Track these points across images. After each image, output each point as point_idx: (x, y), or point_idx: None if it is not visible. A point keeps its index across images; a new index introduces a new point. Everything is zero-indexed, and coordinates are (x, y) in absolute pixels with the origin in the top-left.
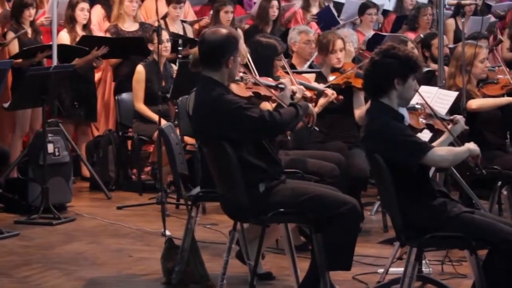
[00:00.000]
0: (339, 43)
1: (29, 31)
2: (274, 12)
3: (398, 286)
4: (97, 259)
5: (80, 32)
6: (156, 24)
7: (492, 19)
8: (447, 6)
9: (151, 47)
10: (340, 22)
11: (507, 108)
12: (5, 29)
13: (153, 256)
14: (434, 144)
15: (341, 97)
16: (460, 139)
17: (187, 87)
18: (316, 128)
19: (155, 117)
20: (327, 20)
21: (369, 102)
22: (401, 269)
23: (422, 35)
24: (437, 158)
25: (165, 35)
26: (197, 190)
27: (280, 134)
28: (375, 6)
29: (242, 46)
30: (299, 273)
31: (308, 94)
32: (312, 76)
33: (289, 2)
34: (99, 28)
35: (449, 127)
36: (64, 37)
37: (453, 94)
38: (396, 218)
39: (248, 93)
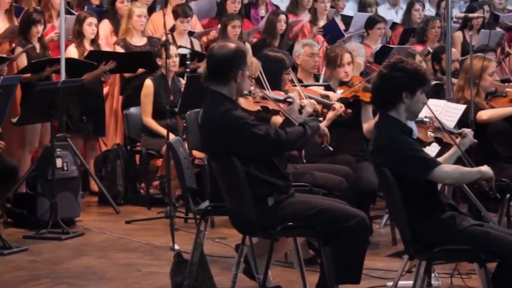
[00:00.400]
0: (347, 57)
1: (37, 46)
2: (281, 26)
3: None
4: (106, 273)
5: (88, 47)
6: (164, 38)
7: (500, 30)
8: (454, 19)
9: (159, 61)
10: (345, 34)
11: None
12: (14, 45)
13: (162, 271)
14: (442, 157)
15: (349, 110)
16: (468, 153)
17: (196, 101)
18: (330, 148)
19: (163, 131)
20: (332, 33)
21: (377, 116)
22: (410, 282)
23: (429, 48)
24: (443, 175)
25: (173, 50)
26: (206, 204)
27: (285, 153)
28: (384, 20)
29: (254, 60)
30: (308, 286)
31: (318, 107)
32: (320, 90)
33: (297, 17)
34: (107, 42)
35: (457, 140)
36: (72, 52)
37: (461, 107)
38: (405, 232)
39: (257, 107)
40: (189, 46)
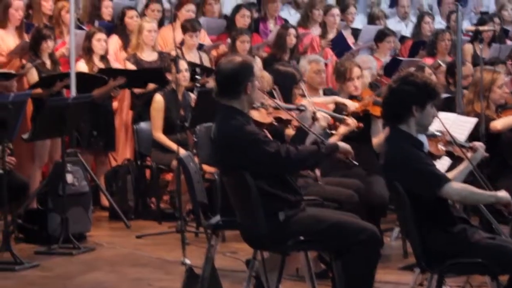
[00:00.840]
0: (356, 71)
1: (48, 62)
2: (291, 40)
3: None
4: None
5: (97, 62)
6: (173, 52)
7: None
8: (464, 32)
9: (169, 76)
10: (352, 47)
11: None
12: (24, 61)
13: (173, 285)
14: (453, 172)
15: (361, 124)
16: (480, 165)
17: (206, 115)
18: (355, 162)
19: (174, 146)
20: (340, 46)
21: (386, 129)
22: None
23: (440, 61)
24: (452, 192)
25: (183, 65)
26: (217, 218)
27: (295, 171)
28: (393, 33)
29: (266, 74)
30: None
31: (330, 121)
32: (338, 98)
33: (307, 30)
34: (116, 58)
35: (468, 155)
36: (82, 67)
37: (473, 120)
38: (416, 245)
39: (270, 119)
40: (198, 61)
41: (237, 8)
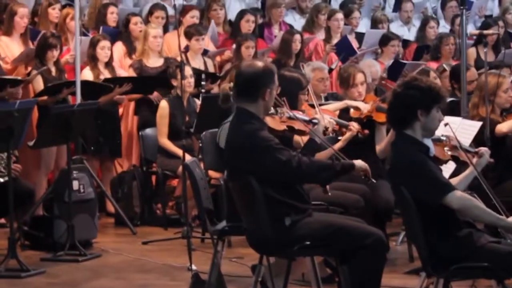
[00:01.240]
0: (359, 77)
1: (53, 70)
2: (296, 46)
3: None
4: None
5: (102, 70)
6: (179, 58)
7: None
8: (469, 36)
9: (174, 82)
10: (357, 52)
11: None
12: (30, 68)
13: None
14: (458, 177)
15: (366, 131)
16: (485, 171)
17: (211, 121)
18: (374, 180)
19: (179, 152)
20: (345, 51)
21: (388, 135)
22: None
23: (445, 65)
24: (455, 201)
25: (188, 71)
26: (223, 224)
27: (303, 183)
28: (398, 37)
29: None
30: None
31: (336, 127)
32: (350, 102)
33: (312, 34)
34: (120, 65)
35: (474, 160)
36: (87, 75)
37: (477, 124)
38: (422, 249)
39: (283, 127)
40: (202, 66)
41: (242, 14)
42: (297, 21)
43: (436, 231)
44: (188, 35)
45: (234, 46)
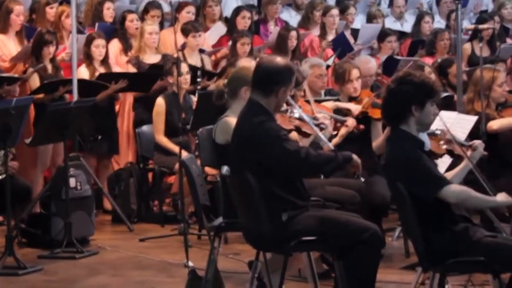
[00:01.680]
0: (354, 72)
1: (49, 67)
2: (292, 42)
3: None
4: None
5: (98, 67)
6: (175, 55)
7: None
8: (464, 31)
9: (170, 79)
10: (354, 48)
11: None
12: (26, 65)
13: None
14: (453, 171)
15: (362, 126)
16: (480, 165)
17: (207, 118)
18: (362, 178)
19: (176, 149)
20: (342, 47)
21: (385, 131)
22: None
23: (439, 60)
24: (451, 195)
25: (184, 67)
26: (219, 220)
27: (309, 175)
28: (395, 33)
29: None
30: None
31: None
32: (341, 104)
33: (307, 30)
34: (116, 62)
35: (468, 153)
36: (83, 72)
37: (473, 118)
38: (418, 244)
39: (290, 126)
40: (199, 63)
41: (238, 10)
42: (293, 18)
43: (432, 226)
44: (185, 31)
45: (230, 42)
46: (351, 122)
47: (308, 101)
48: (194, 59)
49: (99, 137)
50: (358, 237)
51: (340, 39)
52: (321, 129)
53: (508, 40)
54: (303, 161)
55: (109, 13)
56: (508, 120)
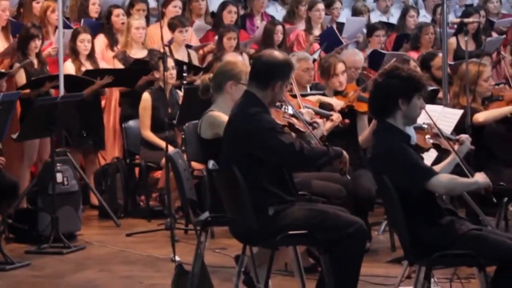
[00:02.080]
0: (340, 66)
1: (35, 62)
2: (278, 37)
3: None
4: (108, 286)
5: (84, 62)
6: (162, 50)
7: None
8: (450, 25)
9: (156, 74)
10: (343, 42)
11: None
12: (12, 60)
13: (164, 282)
14: (441, 164)
15: (347, 120)
16: (466, 159)
17: (193, 113)
18: (348, 176)
19: (162, 144)
20: (330, 41)
21: (371, 125)
22: None
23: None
24: (439, 185)
25: (170, 62)
26: (206, 215)
27: (303, 168)
28: (383, 27)
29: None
30: None
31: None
32: (323, 98)
33: (293, 25)
34: (102, 57)
35: (455, 147)
36: (69, 67)
37: (459, 112)
38: (404, 238)
39: (283, 122)
40: (186, 58)
41: (224, 5)
42: (279, 12)
43: (418, 219)
44: (172, 26)
45: (216, 37)
46: (336, 116)
47: (294, 95)
48: (181, 54)
49: (84, 132)
50: (344, 231)
51: (329, 33)
52: (314, 128)
53: (494, 34)
54: (297, 154)
55: (94, 8)
56: (493, 112)
